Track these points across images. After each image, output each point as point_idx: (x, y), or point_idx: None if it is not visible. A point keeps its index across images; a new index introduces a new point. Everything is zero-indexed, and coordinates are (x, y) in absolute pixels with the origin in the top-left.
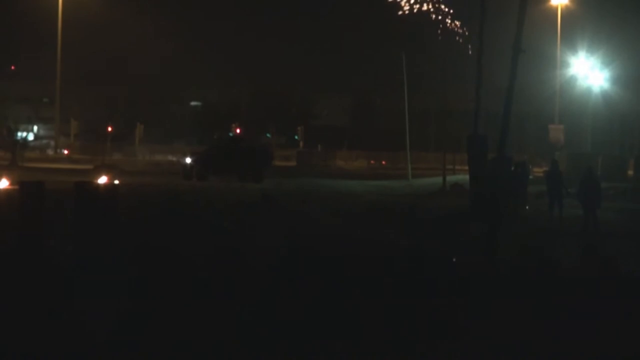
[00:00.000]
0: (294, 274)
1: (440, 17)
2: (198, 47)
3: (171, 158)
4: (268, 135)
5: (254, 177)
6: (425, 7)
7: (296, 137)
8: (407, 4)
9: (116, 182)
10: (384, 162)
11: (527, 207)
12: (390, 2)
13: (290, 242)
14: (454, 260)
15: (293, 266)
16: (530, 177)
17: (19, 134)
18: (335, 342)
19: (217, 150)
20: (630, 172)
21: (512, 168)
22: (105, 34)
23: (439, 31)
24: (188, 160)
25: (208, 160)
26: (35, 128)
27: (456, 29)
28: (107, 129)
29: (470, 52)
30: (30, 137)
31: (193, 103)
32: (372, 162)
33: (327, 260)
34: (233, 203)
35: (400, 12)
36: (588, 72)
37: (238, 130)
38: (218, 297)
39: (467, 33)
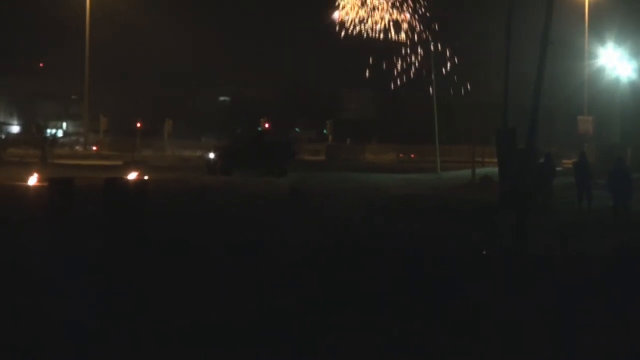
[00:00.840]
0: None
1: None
2: (227, 42)
3: (200, 153)
4: (297, 130)
5: (277, 172)
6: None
7: (325, 132)
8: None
9: (146, 178)
10: (413, 156)
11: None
12: None
13: (330, 237)
14: (485, 253)
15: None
16: (559, 169)
17: (49, 131)
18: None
19: (241, 145)
20: None
21: (542, 160)
22: (134, 29)
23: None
24: (212, 155)
25: (232, 156)
26: (65, 125)
27: None
28: (137, 125)
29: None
30: (60, 134)
31: (222, 98)
32: (401, 155)
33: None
34: (262, 198)
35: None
36: (616, 63)
37: (267, 125)
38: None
39: None
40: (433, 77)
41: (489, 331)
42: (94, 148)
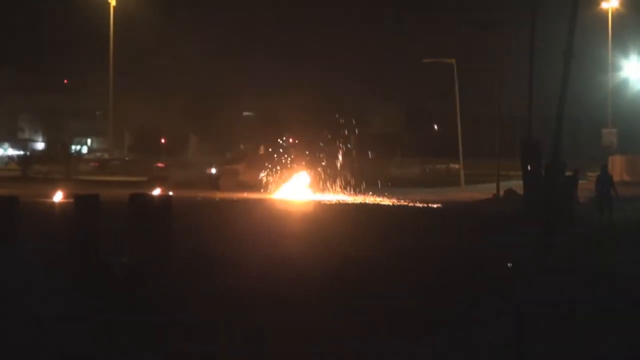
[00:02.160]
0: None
1: None
2: (251, 57)
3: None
4: (321, 144)
5: (279, 188)
6: None
7: (349, 146)
8: None
9: (170, 193)
10: (437, 169)
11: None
12: None
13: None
14: (509, 265)
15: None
16: (582, 181)
17: (73, 147)
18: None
19: (243, 161)
20: None
21: (569, 173)
22: (158, 45)
23: None
24: (214, 170)
25: (234, 172)
26: (89, 141)
27: None
28: (161, 140)
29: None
30: (84, 150)
31: (246, 113)
32: (425, 168)
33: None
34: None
35: None
36: None
37: (292, 140)
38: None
39: None
40: (456, 92)
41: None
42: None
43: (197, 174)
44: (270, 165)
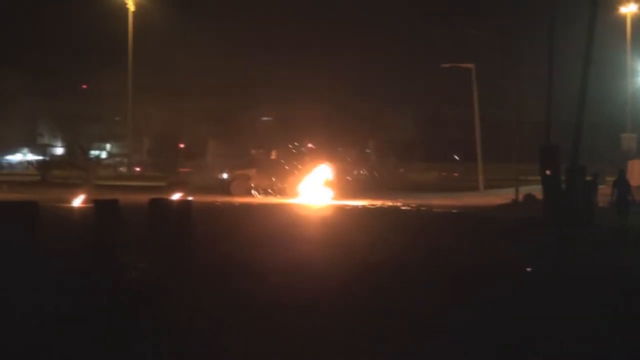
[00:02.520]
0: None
1: None
2: (268, 61)
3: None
4: (340, 149)
5: (292, 192)
6: None
7: (367, 151)
8: None
9: (190, 198)
10: (455, 174)
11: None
12: None
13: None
14: (528, 270)
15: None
16: (601, 185)
17: (92, 152)
18: None
19: (255, 166)
20: None
21: (589, 178)
22: (176, 49)
23: None
24: (225, 175)
25: (245, 176)
26: (108, 146)
27: None
28: (179, 145)
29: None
30: (104, 155)
31: (264, 118)
32: (443, 173)
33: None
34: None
35: None
36: None
37: (310, 145)
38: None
39: None
40: (475, 95)
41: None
42: (137, 169)
43: (215, 179)
44: (283, 170)
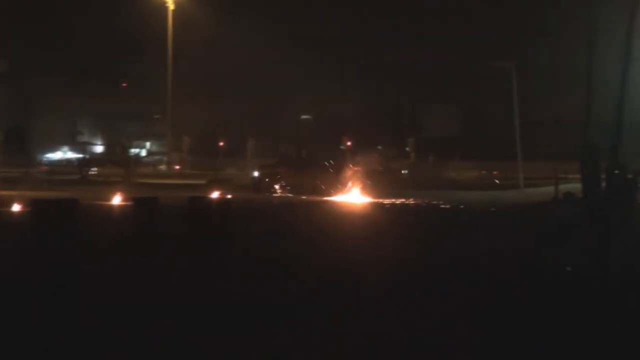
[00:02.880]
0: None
1: None
2: (308, 58)
3: None
4: (379, 147)
5: (325, 191)
6: None
7: (407, 149)
8: None
9: (229, 196)
10: (495, 172)
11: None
12: None
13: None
14: (569, 269)
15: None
16: None
17: (132, 150)
18: None
19: (287, 163)
20: None
21: (630, 176)
22: (216, 45)
23: None
24: (256, 173)
25: (277, 174)
26: (148, 144)
27: None
28: (219, 143)
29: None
30: (143, 153)
31: (303, 116)
32: (482, 172)
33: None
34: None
35: None
36: None
37: (349, 143)
38: None
39: None
40: (515, 93)
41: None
42: (177, 167)
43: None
44: (314, 168)
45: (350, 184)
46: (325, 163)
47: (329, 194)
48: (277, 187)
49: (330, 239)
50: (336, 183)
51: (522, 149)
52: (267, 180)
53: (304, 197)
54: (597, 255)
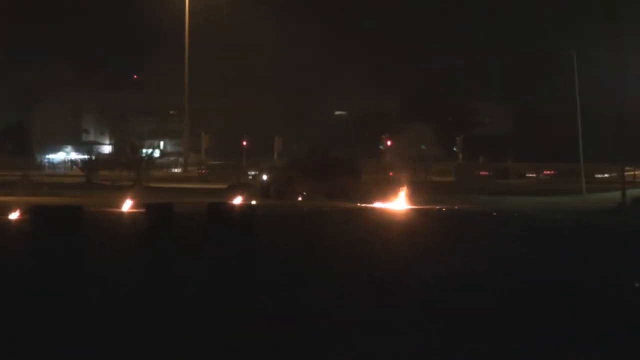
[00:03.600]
0: None
1: None
2: (343, 52)
3: None
4: (423, 147)
5: (340, 195)
6: None
7: (455, 149)
8: None
9: (253, 202)
10: (553, 173)
11: None
12: None
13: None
14: (638, 285)
15: None
16: None
17: (144, 150)
18: None
19: (298, 166)
20: None
21: None
22: (238, 41)
23: None
24: (265, 177)
25: (288, 177)
26: (162, 144)
27: None
28: (242, 143)
29: None
30: (156, 153)
31: (338, 112)
32: (540, 174)
33: None
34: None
35: None
36: None
37: (389, 142)
38: None
39: None
40: (577, 87)
41: None
42: (203, 171)
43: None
44: (333, 170)
45: (390, 189)
46: (345, 165)
47: (357, 200)
48: (288, 192)
49: (373, 249)
50: (356, 187)
51: (588, 149)
52: (277, 184)
53: (350, 205)
54: None
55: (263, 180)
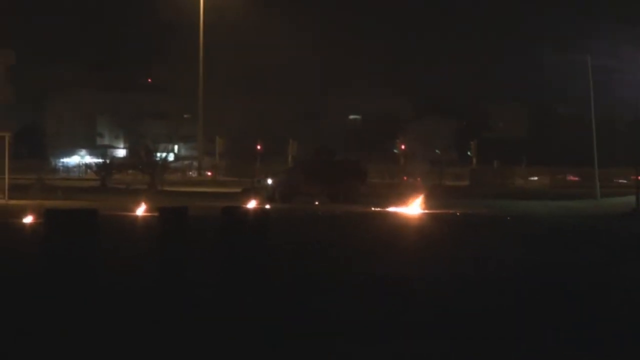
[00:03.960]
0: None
1: None
2: (355, 55)
3: None
4: (437, 151)
5: (346, 198)
6: None
7: (469, 153)
8: None
9: (267, 206)
10: (569, 178)
11: None
12: None
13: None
14: None
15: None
16: None
17: (158, 154)
18: None
19: (302, 169)
20: None
21: None
22: (252, 43)
23: None
24: (269, 181)
25: (292, 181)
26: (176, 147)
27: None
28: (257, 146)
29: None
30: (171, 157)
31: (352, 116)
32: (555, 178)
33: None
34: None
35: None
36: None
37: (403, 147)
38: None
39: None
40: (591, 93)
41: None
42: (209, 173)
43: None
44: (339, 173)
45: (404, 194)
46: (350, 168)
47: (356, 200)
48: (292, 195)
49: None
50: (361, 190)
51: (602, 153)
52: (281, 188)
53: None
54: None
55: (267, 185)
